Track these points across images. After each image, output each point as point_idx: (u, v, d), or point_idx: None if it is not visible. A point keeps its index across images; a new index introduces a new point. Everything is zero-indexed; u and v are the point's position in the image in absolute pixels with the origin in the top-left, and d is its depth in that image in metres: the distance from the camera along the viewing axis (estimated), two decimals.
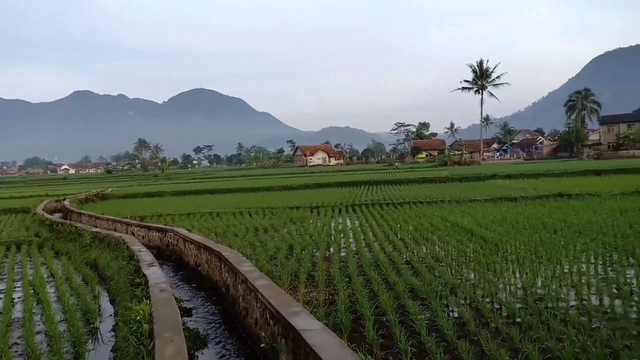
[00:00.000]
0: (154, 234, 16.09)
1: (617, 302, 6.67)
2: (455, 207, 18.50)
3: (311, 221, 16.95)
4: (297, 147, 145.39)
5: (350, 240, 12.76)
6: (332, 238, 13.12)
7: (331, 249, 11.75)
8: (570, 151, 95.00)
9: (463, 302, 7.13)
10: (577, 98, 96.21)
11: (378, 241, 12.31)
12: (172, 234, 14.42)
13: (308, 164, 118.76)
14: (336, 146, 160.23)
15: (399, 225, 14.85)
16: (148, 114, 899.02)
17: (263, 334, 6.05)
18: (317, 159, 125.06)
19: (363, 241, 12.46)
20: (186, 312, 8.52)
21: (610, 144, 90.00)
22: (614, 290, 7.17)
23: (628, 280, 7.72)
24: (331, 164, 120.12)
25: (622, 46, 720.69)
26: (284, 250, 11.32)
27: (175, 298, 7.58)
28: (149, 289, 7.31)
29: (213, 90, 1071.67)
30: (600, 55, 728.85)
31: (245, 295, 7.41)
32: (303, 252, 11.09)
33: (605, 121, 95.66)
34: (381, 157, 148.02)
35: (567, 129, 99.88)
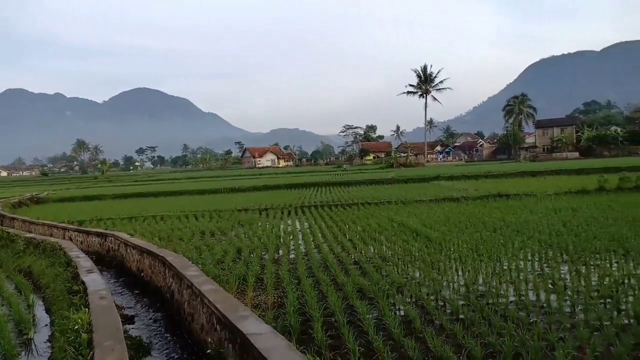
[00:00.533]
0: (94, 239, 15.36)
1: (553, 296, 7.03)
2: (402, 207, 18.92)
3: (260, 224, 16.79)
4: (245, 149, 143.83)
5: (300, 242, 12.74)
6: (282, 240, 13.04)
7: (280, 252, 11.68)
8: (509, 153, 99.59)
9: (409, 300, 7.28)
10: (515, 103, 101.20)
11: (327, 242, 12.37)
12: (112, 238, 13.82)
13: (257, 166, 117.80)
14: (285, 148, 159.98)
15: (347, 226, 15.00)
16: (87, 114, 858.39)
17: (209, 339, 5.90)
18: (266, 160, 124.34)
19: (312, 243, 12.47)
20: (128, 320, 8.19)
21: (545, 146, 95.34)
22: (550, 286, 7.55)
23: (562, 275, 8.15)
24: (280, 165, 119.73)
25: (555, 54, 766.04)
26: (231, 254, 11.13)
27: (117, 305, 7.26)
28: (88, 296, 6.96)
29: (157, 90, 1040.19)
30: (536, 62, 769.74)
31: (191, 300, 7.21)
32: (251, 255, 10.95)
33: (540, 125, 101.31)
34: (330, 159, 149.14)
35: (505, 132, 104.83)
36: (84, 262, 9.78)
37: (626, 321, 5.89)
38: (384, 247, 11.39)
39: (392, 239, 12.04)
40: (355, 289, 7.64)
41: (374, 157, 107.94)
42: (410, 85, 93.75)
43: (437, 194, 23.28)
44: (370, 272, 8.69)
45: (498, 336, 5.52)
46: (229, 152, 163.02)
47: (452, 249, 10.51)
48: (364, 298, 7.41)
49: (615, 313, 6.22)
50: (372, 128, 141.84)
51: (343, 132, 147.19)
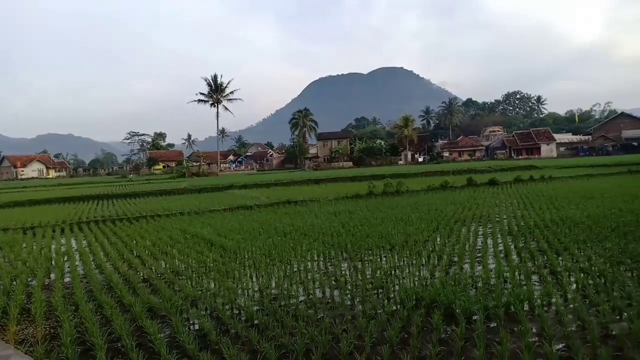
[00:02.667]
0: None
1: (336, 292, 7.70)
2: (195, 218, 18.48)
3: (25, 245, 14.30)
4: (3, 157, 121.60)
5: (77, 263, 11.27)
6: (54, 262, 11.33)
7: (52, 276, 10.12)
8: (295, 163, 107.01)
9: (204, 313, 7.09)
10: (299, 116, 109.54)
11: (111, 261, 11.22)
12: None
13: (19, 177, 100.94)
14: (56, 156, 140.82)
15: (134, 242, 13.89)
16: None
17: None
18: (32, 170, 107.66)
19: (93, 262, 11.17)
20: None
21: (325, 157, 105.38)
22: (333, 282, 8.25)
23: (343, 272, 8.99)
24: (50, 176, 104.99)
25: (332, 74, 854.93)
26: None
27: None
28: None
29: None
30: (316, 80, 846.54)
31: None
32: (14, 283, 9.23)
33: (321, 137, 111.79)
34: (113, 168, 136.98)
35: (292, 143, 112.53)
36: None
37: (394, 307, 6.78)
38: (176, 260, 10.89)
39: (185, 252, 11.60)
40: (144, 308, 7.08)
41: (164, 167, 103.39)
42: (202, 93, 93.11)
43: (231, 202, 23.45)
44: (161, 289, 8.19)
45: (290, 336, 5.77)
46: None
47: (247, 256, 10.66)
48: (155, 317, 6.94)
49: (386, 301, 7.12)
50: (161, 135, 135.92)
51: (128, 139, 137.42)
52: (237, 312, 7.13)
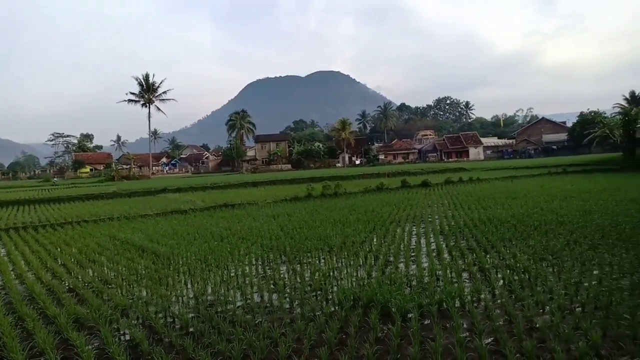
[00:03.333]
0: None
1: (274, 296, 7.64)
2: (125, 223, 17.67)
3: None
4: None
5: None
6: None
7: None
8: (233, 165, 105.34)
9: (136, 322, 6.78)
10: (236, 118, 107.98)
11: (33, 270, 10.47)
12: None
13: None
14: None
15: (59, 249, 13.06)
16: None
17: None
18: None
19: (12, 273, 10.37)
20: None
21: (263, 159, 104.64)
22: (272, 286, 8.19)
23: (282, 275, 8.94)
24: None
25: (269, 76, 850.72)
26: None
27: None
28: None
29: None
30: (254, 81, 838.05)
31: None
32: None
33: (259, 140, 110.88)
34: (35, 171, 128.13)
35: (229, 145, 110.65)
36: None
37: (333, 309, 6.83)
38: (105, 268, 10.36)
39: (115, 259, 11.05)
40: (70, 319, 6.66)
41: (91, 170, 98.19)
42: (132, 93, 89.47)
43: (164, 207, 22.66)
44: (89, 298, 7.74)
45: (227, 342, 5.64)
46: None
47: (181, 262, 10.33)
48: (83, 328, 6.55)
49: (325, 303, 7.16)
50: (88, 137, 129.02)
51: (51, 140, 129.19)
52: (171, 320, 6.88)
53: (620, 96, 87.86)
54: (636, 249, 9.06)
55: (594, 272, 7.72)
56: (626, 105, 71.28)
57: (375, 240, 11.74)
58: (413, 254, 10.00)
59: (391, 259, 9.64)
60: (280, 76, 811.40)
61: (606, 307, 6.09)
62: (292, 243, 11.48)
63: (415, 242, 11.47)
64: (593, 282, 7.18)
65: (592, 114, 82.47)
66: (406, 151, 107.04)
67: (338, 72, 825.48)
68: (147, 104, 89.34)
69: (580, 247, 9.46)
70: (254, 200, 23.05)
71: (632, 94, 77.59)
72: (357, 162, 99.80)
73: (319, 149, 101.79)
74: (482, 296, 6.95)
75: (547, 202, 17.05)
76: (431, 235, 11.99)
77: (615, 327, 5.49)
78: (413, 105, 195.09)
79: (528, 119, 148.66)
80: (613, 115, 73.63)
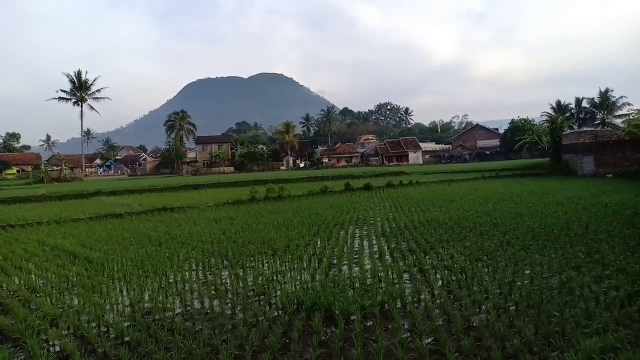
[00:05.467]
0: None
1: (216, 302, 7.43)
2: (55, 228, 16.66)
3: None
4: None
5: None
6: None
7: None
8: (172, 167, 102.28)
9: (66, 332, 6.38)
10: (175, 119, 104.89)
11: None
12: None
13: None
14: None
15: None
16: None
17: None
18: None
19: None
20: None
21: (205, 161, 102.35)
22: (213, 292, 7.97)
23: (224, 280, 8.73)
24: None
25: (210, 76, 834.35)
26: None
27: None
28: None
29: None
30: (193, 82, 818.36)
31: None
32: None
33: (200, 141, 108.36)
34: None
35: (168, 146, 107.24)
36: None
37: (276, 313, 6.75)
38: (33, 276, 9.70)
39: (43, 266, 10.37)
40: None
41: (18, 171, 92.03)
42: (63, 90, 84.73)
43: (98, 210, 21.58)
44: (14, 308, 7.21)
45: (165, 351, 5.42)
46: None
47: (116, 269, 9.85)
48: (7, 340, 6.10)
49: (268, 307, 7.06)
50: (14, 136, 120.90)
51: None
52: (105, 329, 6.53)
53: (548, 104, 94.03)
54: (564, 249, 9.63)
55: (526, 272, 8.11)
56: (553, 113, 76.03)
57: (319, 243, 11.76)
58: (356, 256, 10.10)
59: (335, 261, 9.68)
60: (222, 77, 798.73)
61: (538, 306, 6.41)
62: (234, 247, 11.27)
63: (358, 244, 11.60)
64: (525, 282, 7.54)
65: (522, 121, 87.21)
66: (349, 155, 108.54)
67: (281, 74, 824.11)
68: (80, 102, 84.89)
69: (513, 247, 9.94)
70: (195, 204, 22.47)
71: (558, 102, 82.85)
72: (302, 165, 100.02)
73: (262, 151, 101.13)
74: (422, 296, 7.12)
75: (481, 204, 17.82)
76: (373, 238, 12.18)
77: (546, 324, 5.78)
78: (355, 110, 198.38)
79: (463, 126, 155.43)
80: (541, 122, 78.57)
